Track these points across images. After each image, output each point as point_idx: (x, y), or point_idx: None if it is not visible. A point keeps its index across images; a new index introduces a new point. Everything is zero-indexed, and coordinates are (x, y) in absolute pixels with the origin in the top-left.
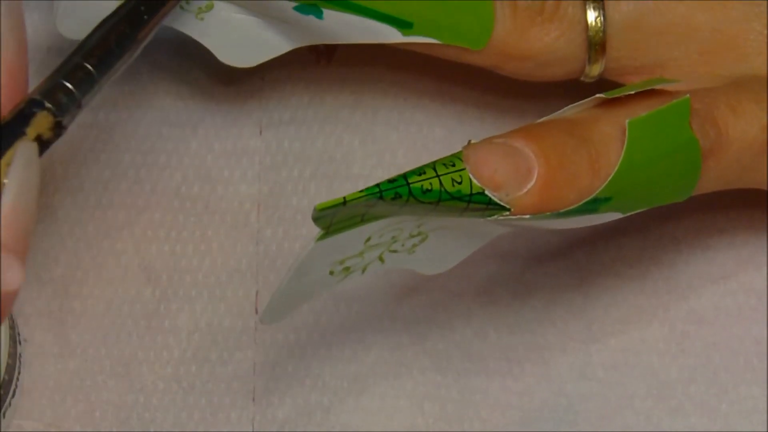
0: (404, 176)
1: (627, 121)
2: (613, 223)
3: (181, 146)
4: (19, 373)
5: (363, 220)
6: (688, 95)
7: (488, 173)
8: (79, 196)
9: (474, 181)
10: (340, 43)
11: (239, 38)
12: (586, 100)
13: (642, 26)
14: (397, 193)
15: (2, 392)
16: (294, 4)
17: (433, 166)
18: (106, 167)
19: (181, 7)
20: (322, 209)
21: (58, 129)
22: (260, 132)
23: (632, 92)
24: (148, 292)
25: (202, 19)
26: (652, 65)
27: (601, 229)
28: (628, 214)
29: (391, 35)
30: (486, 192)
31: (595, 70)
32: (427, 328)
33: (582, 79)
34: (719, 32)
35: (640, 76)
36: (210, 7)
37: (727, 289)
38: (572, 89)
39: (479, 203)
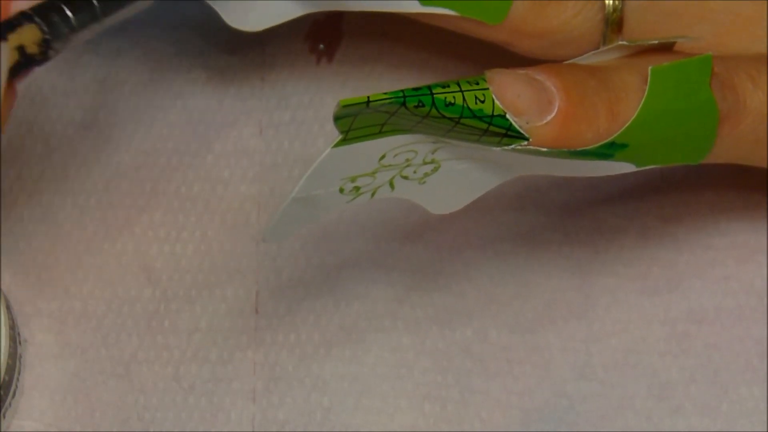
0: (428, 87)
1: (650, 68)
2: (613, 222)
3: (181, 146)
4: (19, 374)
5: (381, 131)
6: (710, 54)
7: (511, 97)
8: (79, 196)
9: (497, 102)
10: (355, 10)
11: (249, 1)
12: (608, 47)
13: (658, 7)
14: (421, 101)
15: (2, 393)
16: None
17: (457, 81)
18: (106, 167)
19: None
20: (346, 105)
21: (45, 47)
22: (260, 132)
23: (655, 42)
24: (148, 292)
25: None
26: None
27: (601, 229)
28: (641, 168)
29: (408, 5)
30: (507, 115)
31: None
32: (427, 328)
33: None
34: (735, 14)
35: None
36: None
37: (728, 289)
38: None
39: (499, 126)
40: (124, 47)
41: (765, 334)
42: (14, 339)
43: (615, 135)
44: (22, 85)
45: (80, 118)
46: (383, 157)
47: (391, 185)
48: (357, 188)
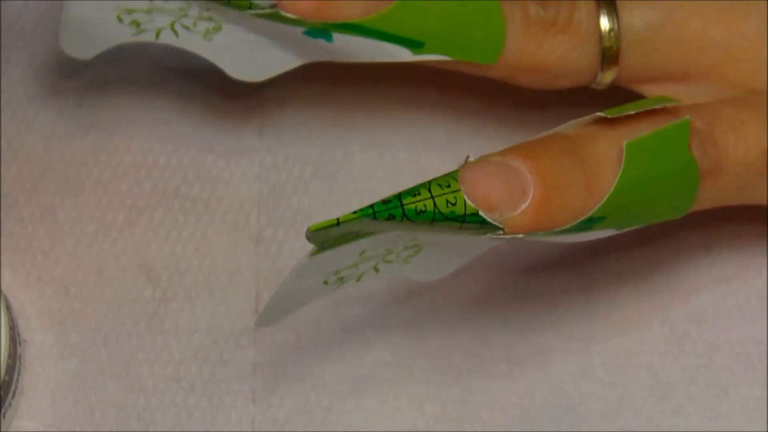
0: (398, 197)
1: (624, 143)
2: None
3: (181, 146)
4: (19, 374)
5: (358, 235)
6: (688, 117)
7: (482, 194)
8: (79, 196)
9: (468, 202)
10: (350, 61)
11: (249, 54)
12: (586, 117)
13: (656, 40)
14: (391, 215)
15: (2, 393)
16: (303, 29)
17: (428, 186)
18: (106, 167)
19: (188, 29)
20: (316, 230)
21: None
22: (260, 132)
23: (632, 112)
24: (148, 292)
25: (210, 40)
26: (663, 75)
27: None
28: (623, 231)
29: (401, 55)
30: (480, 213)
31: (607, 78)
32: (427, 329)
33: (593, 86)
34: (733, 47)
35: (651, 84)
36: (218, 29)
37: (728, 289)
38: (577, 90)
39: (473, 223)
40: (124, 47)
41: (765, 335)
42: (14, 339)
43: (592, 211)
44: (22, 84)
45: (80, 118)
46: (363, 252)
47: (376, 269)
48: (342, 278)
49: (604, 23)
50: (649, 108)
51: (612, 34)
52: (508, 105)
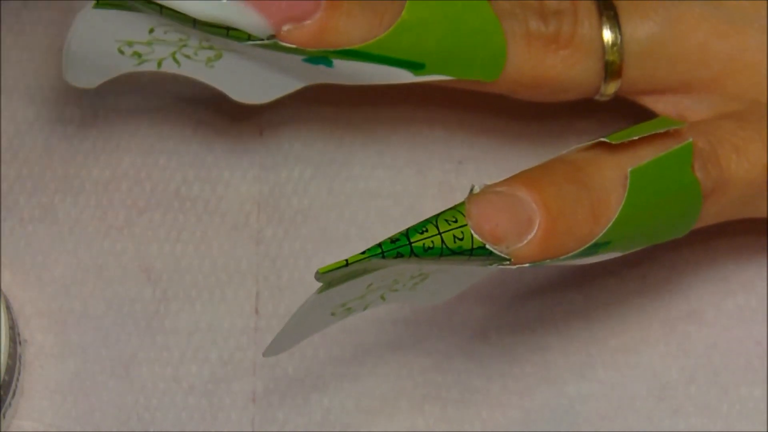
0: (407, 235)
1: (629, 170)
2: None
3: (181, 146)
4: (19, 374)
5: (366, 271)
6: (691, 140)
7: (489, 228)
8: (79, 196)
9: (475, 237)
10: (351, 84)
11: (251, 79)
12: (590, 142)
13: (658, 54)
14: (399, 253)
15: (2, 393)
16: (303, 57)
17: (435, 222)
18: (106, 167)
19: (189, 58)
20: (325, 272)
21: None
22: (260, 132)
23: (636, 138)
24: (148, 292)
25: (212, 67)
26: (665, 87)
27: None
28: (627, 252)
29: (403, 77)
30: (487, 246)
31: (609, 90)
32: (427, 329)
33: (596, 98)
34: (735, 60)
35: (653, 96)
36: (219, 57)
37: (728, 289)
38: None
39: (480, 256)
40: None
41: (765, 335)
42: (14, 339)
43: (597, 237)
44: (22, 84)
45: (80, 118)
46: (371, 284)
47: (383, 298)
48: (349, 309)
49: (607, 37)
50: (652, 132)
51: (615, 48)
52: (509, 103)
